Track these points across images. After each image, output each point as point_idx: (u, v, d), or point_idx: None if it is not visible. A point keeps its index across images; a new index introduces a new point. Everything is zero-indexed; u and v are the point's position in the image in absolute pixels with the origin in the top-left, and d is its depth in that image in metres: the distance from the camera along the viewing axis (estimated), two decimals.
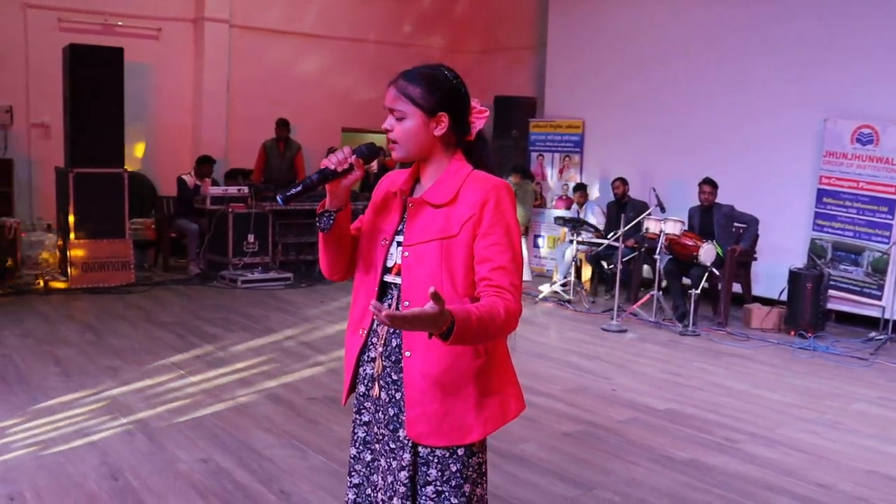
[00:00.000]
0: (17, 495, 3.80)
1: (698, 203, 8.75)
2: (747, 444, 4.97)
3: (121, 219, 9.37)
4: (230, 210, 9.90)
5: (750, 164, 9.52)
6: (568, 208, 11.12)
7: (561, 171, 11.84)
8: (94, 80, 9.19)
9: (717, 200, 8.66)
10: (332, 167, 2.22)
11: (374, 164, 9.74)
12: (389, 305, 2.26)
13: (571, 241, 9.77)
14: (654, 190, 8.86)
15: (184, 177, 10.58)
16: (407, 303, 2.19)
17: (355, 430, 2.37)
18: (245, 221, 9.99)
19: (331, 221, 2.27)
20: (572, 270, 9.68)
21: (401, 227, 2.28)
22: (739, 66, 9.75)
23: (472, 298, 2.17)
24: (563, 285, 9.74)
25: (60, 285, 9.00)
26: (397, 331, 2.21)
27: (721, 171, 9.04)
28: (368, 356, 2.31)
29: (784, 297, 8.46)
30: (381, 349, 2.27)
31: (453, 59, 14.28)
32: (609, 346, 7.44)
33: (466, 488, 2.23)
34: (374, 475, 2.31)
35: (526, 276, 11.01)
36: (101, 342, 6.78)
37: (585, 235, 9.72)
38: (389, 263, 2.27)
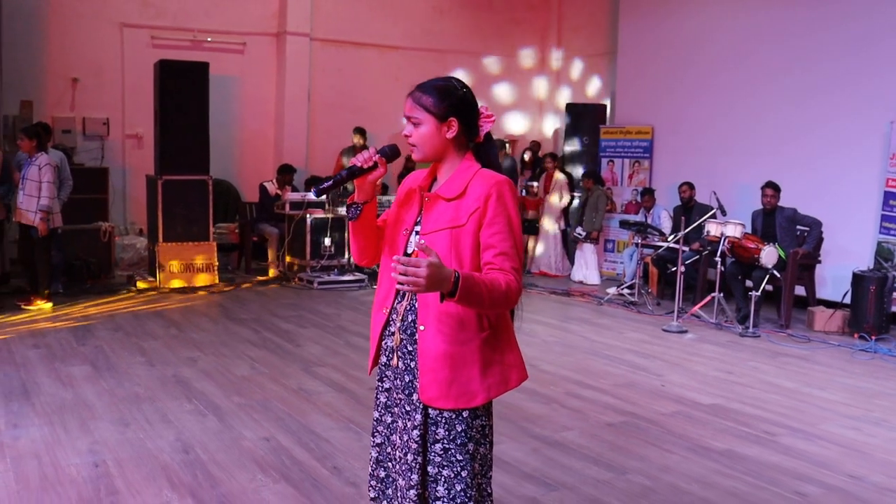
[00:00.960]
0: (101, 463, 4.27)
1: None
2: (785, 437, 5.13)
3: (206, 223, 9.97)
4: (308, 215, 10.39)
5: (817, 168, 9.55)
6: (637, 213, 11.27)
7: (631, 177, 12.00)
8: (182, 93, 9.81)
9: (780, 204, 8.72)
10: (360, 164, 2.56)
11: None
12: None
13: (636, 245, 9.95)
14: (715, 193, 8.97)
15: (266, 184, 11.15)
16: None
17: (378, 396, 2.70)
18: (322, 226, 10.45)
19: (358, 212, 2.62)
20: (637, 273, 9.84)
21: (419, 218, 2.60)
22: (806, 70, 9.80)
23: None
24: (630, 288, 9.92)
25: (149, 285, 9.63)
26: (414, 308, 2.54)
27: (788, 174, 9.11)
28: (389, 331, 2.64)
29: (848, 300, 8.47)
30: (399, 324, 2.59)
31: (529, 67, 14.64)
32: (666, 346, 7.62)
33: (470, 447, 2.53)
34: (394, 435, 2.63)
35: (595, 279, 11.22)
36: (184, 336, 7.31)
37: (651, 239, 9.87)
38: (409, 250, 2.60)
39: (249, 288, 9.91)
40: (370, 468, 2.71)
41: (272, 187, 11.11)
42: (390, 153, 2.61)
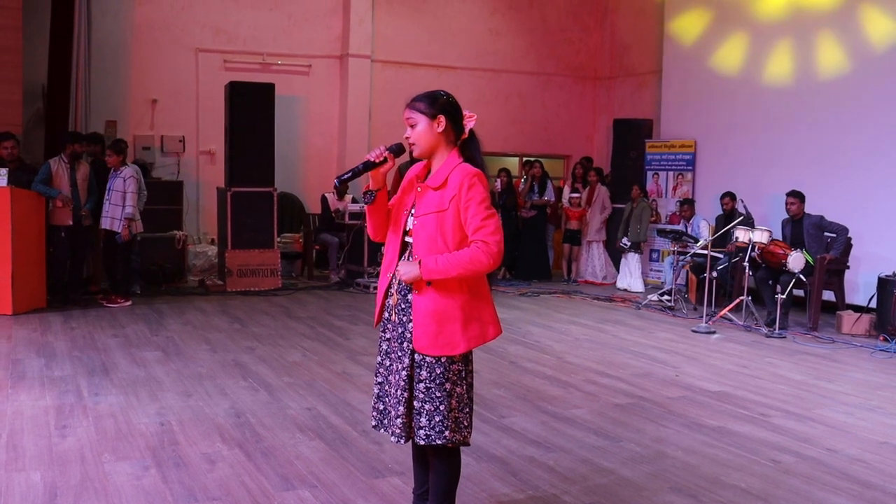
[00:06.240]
0: (165, 423, 5.02)
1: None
2: (778, 418, 5.60)
3: (270, 231, 10.80)
4: (366, 224, 11.10)
5: (850, 178, 9.97)
6: (679, 223, 11.72)
7: (675, 189, 12.46)
8: (250, 112, 10.69)
9: (810, 212, 9.10)
10: (373, 159, 3.24)
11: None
12: (406, 256, 3.23)
13: (673, 252, 10.42)
14: (742, 201, 9.42)
15: (326, 195, 11.92)
16: (416, 255, 3.16)
17: (380, 344, 3.36)
18: None
19: (373, 197, 3.30)
20: (673, 279, 10.30)
21: (415, 203, 3.26)
22: (838, 85, 10.20)
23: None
24: (668, 294, 10.38)
25: (218, 288, 10.47)
26: None
27: (822, 185, 9.63)
28: (391, 292, 3.30)
29: (874, 304, 8.81)
30: (396, 287, 3.25)
31: (583, 86, 15.30)
32: (691, 344, 8.10)
33: (447, 386, 3.17)
34: (391, 375, 3.29)
35: (638, 287, 11.70)
36: (245, 329, 8.09)
37: (690, 247, 10.32)
38: (407, 228, 3.27)
39: (310, 292, 10.68)
40: (372, 402, 3.37)
41: (332, 198, 11.86)
42: (396, 150, 3.30)
